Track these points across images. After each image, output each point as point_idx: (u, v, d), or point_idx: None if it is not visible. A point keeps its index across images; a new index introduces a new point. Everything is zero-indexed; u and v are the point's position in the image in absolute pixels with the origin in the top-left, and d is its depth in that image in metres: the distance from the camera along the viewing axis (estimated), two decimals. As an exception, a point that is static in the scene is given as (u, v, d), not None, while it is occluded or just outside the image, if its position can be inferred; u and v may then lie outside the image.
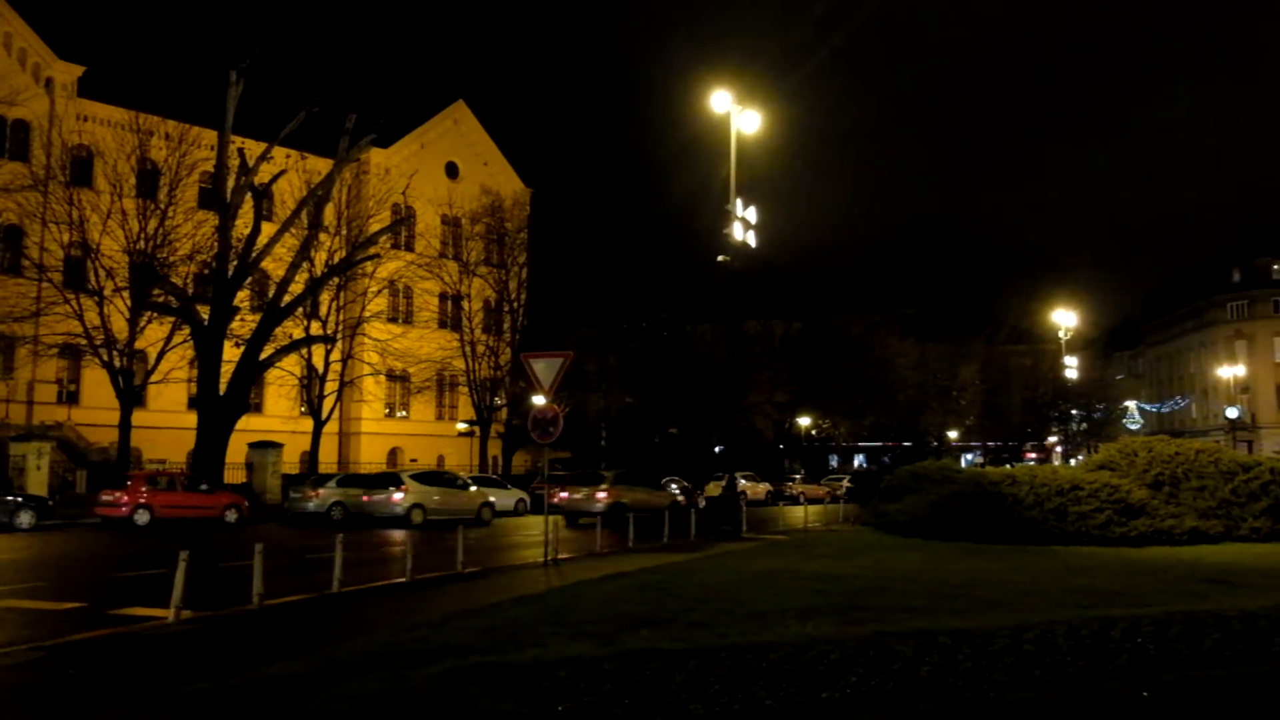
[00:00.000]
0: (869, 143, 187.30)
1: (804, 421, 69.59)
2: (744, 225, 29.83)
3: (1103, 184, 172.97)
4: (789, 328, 70.55)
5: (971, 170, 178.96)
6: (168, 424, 47.06)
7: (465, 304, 53.46)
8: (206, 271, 40.44)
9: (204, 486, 32.10)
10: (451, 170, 64.95)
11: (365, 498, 32.62)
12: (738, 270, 30.46)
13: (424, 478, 33.93)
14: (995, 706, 6.93)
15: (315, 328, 43.95)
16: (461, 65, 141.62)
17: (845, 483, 59.71)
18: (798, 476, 64.46)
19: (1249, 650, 8.75)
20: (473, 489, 34.30)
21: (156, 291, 38.37)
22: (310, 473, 41.81)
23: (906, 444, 75.66)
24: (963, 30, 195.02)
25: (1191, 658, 8.43)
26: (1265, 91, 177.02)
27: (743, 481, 46.38)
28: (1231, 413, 77.79)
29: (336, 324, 46.23)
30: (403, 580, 15.75)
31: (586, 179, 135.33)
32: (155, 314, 39.24)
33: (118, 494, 29.82)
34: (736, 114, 28.71)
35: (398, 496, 31.37)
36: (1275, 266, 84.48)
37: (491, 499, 34.30)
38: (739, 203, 29.31)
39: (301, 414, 49.27)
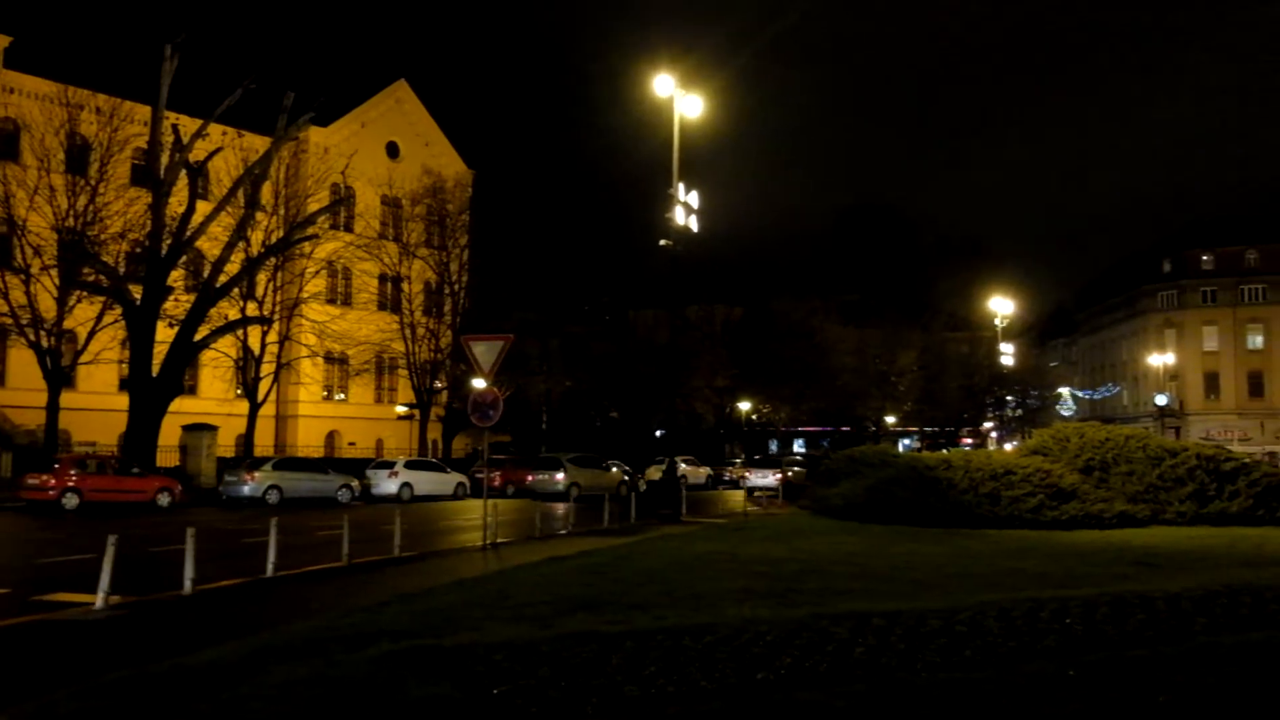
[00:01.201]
0: (812, 130, 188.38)
1: (744, 406, 69.91)
2: (686, 210, 29.85)
3: (1041, 176, 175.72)
4: (730, 313, 70.80)
5: (913, 159, 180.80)
6: (98, 406, 46.10)
7: (405, 286, 52.96)
8: (139, 250, 39.58)
9: (136, 470, 31.55)
10: (392, 150, 64.20)
11: (530, 477, 39.88)
12: (680, 255, 30.47)
13: (578, 460, 41.15)
14: (926, 686, 7.02)
15: (251, 309, 43.24)
16: (404, 44, 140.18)
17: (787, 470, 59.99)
18: (738, 461, 64.77)
19: (1172, 630, 8.96)
20: (614, 470, 41.79)
21: (86, 270, 37.49)
22: (246, 456, 41.21)
23: (845, 429, 76.28)
24: (906, 22, 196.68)
25: (1118, 638, 8.62)
26: (1201, 91, 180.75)
27: (683, 465, 46.52)
28: (1160, 400, 79.59)
29: (273, 305, 45.51)
30: (339, 565, 15.61)
31: (529, 162, 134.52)
32: (85, 293, 38.32)
33: (45, 477, 29.17)
34: (679, 98, 28.70)
35: (559, 476, 38.33)
36: (1205, 258, 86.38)
37: (627, 476, 41.70)
38: (681, 187, 29.32)
39: (237, 396, 48.54)
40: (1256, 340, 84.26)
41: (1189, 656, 7.98)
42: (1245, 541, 19.49)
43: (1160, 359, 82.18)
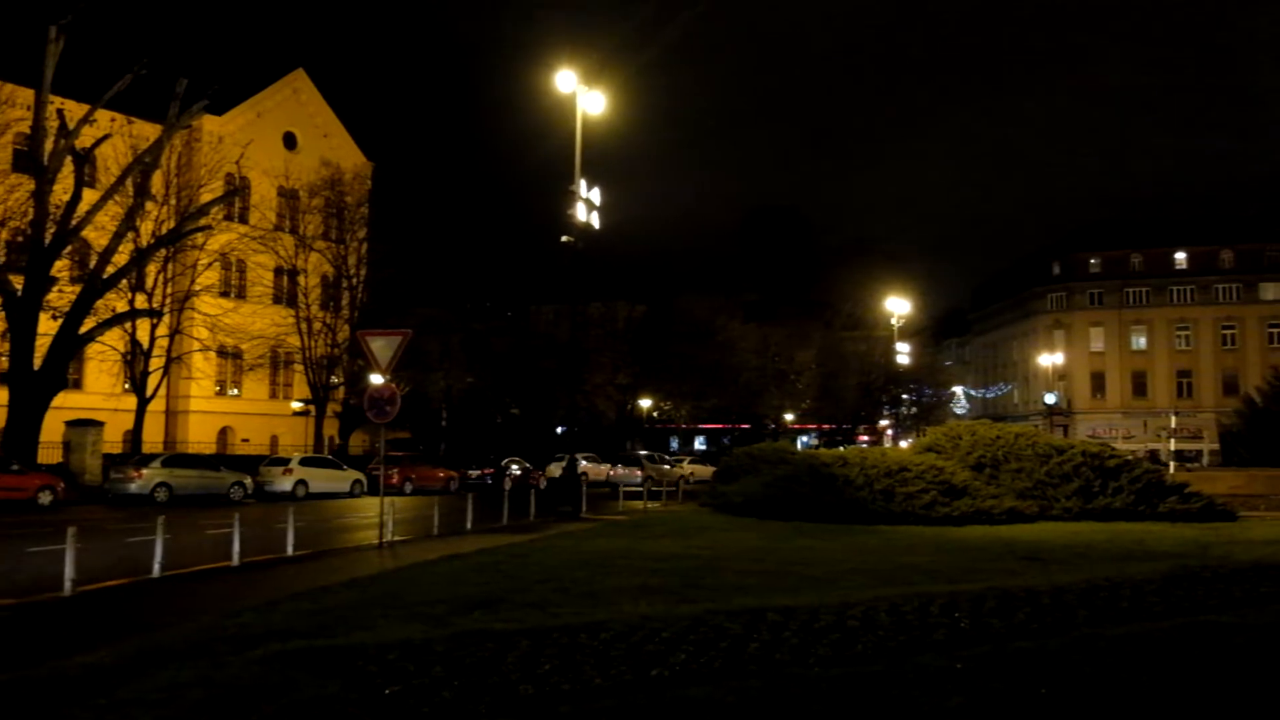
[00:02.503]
0: (716, 129, 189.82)
1: (645, 403, 70.18)
2: (588, 206, 29.81)
3: (939, 180, 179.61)
4: (633, 310, 70.99)
5: (814, 161, 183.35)
6: (-25, 400, 44.27)
7: (302, 279, 51.83)
8: (20, 239, 38.07)
9: (15, 467, 30.37)
10: (290, 141, 62.86)
11: (611, 472, 48.72)
12: (582, 251, 30.43)
13: (649, 458, 51.48)
14: (817, 681, 7.11)
15: (140, 301, 41.90)
16: (303, 33, 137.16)
17: (686, 464, 60.36)
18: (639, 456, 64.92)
19: (1057, 623, 9.23)
20: (680, 466, 51.15)
21: (-37, 259, 35.98)
22: (134, 452, 39.97)
23: (745, 426, 77.07)
24: (809, 24, 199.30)
25: (1004, 631, 8.83)
26: (1096, 98, 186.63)
27: (584, 463, 46.52)
28: (1049, 399, 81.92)
29: (164, 297, 44.16)
30: (230, 564, 15.24)
31: (431, 156, 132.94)
32: (-40, 283, 36.73)
33: (-84, 475, 27.96)
34: (582, 94, 28.65)
35: (638, 473, 46.34)
36: (1092, 261, 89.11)
37: (687, 471, 50.41)
38: (583, 183, 29.28)
39: (125, 391, 47.02)
40: (1140, 341, 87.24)
41: (1071, 648, 8.22)
42: (1127, 536, 20.18)
43: (1049, 359, 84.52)
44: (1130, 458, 27.93)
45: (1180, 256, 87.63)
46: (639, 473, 46.70)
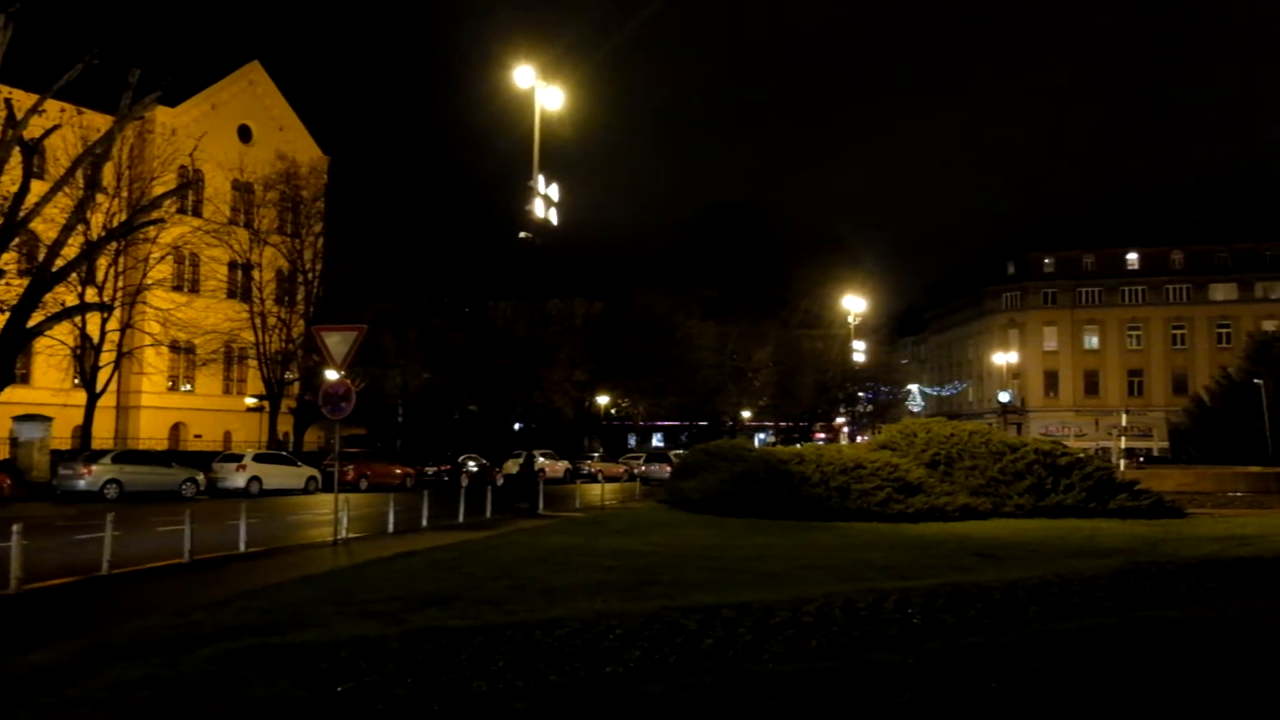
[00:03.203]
0: (673, 126, 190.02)
1: (603, 400, 70.17)
2: (546, 202, 29.75)
3: (896, 179, 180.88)
4: (590, 307, 70.95)
5: (772, 158, 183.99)
6: (-80, 395, 43.42)
7: (256, 274, 51.23)
8: (-34, 231, 37.37)
9: (-39, 462, 29.90)
10: (245, 133, 62.17)
11: (643, 468, 52.71)
12: (539, 247, 30.40)
13: (678, 454, 51.89)
14: (771, 677, 7.14)
15: (91, 294, 41.21)
16: (258, 25, 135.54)
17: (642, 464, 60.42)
18: (596, 455, 64.92)
19: (1008, 619, 9.32)
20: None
21: (-93, 252, 35.20)
22: (83, 449, 39.38)
23: (703, 423, 77.26)
24: (767, 21, 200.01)
25: (956, 627, 8.91)
26: (1051, 98, 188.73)
27: (541, 459, 46.37)
28: (1003, 397, 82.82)
29: (114, 291, 43.50)
30: (181, 561, 15.05)
31: (389, 150, 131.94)
32: (-96, 276, 35.99)
33: None
34: (540, 89, 28.59)
35: (667, 468, 48.75)
36: (1046, 260, 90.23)
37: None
38: (541, 179, 29.21)
39: (74, 386, 46.33)
40: (1092, 341, 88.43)
41: (1022, 644, 8.31)
42: (1078, 533, 20.42)
43: (1004, 358, 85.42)
44: (1081, 455, 28.23)
45: (1132, 257, 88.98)
46: (668, 468, 48.95)
